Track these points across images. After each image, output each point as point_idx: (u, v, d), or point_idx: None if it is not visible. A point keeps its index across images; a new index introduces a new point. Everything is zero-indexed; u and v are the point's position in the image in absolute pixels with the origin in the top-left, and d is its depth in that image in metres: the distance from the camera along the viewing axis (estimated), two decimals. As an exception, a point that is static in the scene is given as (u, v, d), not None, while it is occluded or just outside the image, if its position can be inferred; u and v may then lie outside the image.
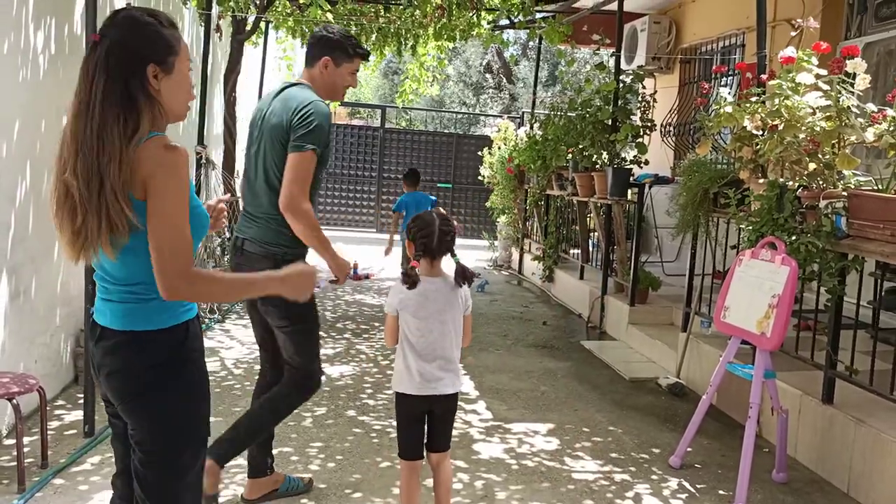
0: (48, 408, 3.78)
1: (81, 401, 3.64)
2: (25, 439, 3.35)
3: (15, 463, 3.03)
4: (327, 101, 2.88)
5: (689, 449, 3.62)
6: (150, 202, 1.60)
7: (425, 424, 2.66)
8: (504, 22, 8.04)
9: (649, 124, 6.18)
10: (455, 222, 2.73)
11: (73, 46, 4.04)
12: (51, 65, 3.88)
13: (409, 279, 2.54)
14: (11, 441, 3.21)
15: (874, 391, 3.28)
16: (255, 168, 2.85)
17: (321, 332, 5.96)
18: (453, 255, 2.67)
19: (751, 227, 3.70)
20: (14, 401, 3.02)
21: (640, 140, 6.13)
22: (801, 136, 3.36)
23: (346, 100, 10.46)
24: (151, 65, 1.64)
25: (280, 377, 2.94)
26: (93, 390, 3.60)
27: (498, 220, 10.36)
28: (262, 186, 2.81)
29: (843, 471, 3.34)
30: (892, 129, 3.07)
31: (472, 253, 10.95)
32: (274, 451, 3.48)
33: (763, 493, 3.29)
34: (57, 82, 3.96)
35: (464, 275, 2.60)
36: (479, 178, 10.96)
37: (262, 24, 8.15)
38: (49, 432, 3.46)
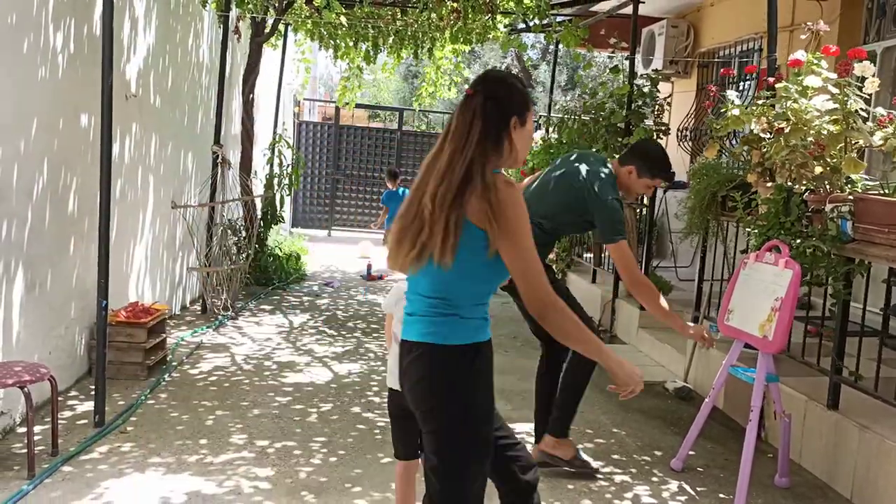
0: (61, 398, 3.88)
1: (93, 392, 3.72)
2: (37, 428, 3.45)
3: (26, 450, 3.11)
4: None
5: (691, 452, 3.61)
6: (501, 233, 1.83)
7: (414, 423, 2.68)
8: (520, 26, 8.06)
9: (663, 128, 6.16)
10: None
11: (92, 46, 4.14)
12: (69, 64, 3.99)
13: None
14: (24, 429, 3.29)
15: (879, 397, 3.25)
16: None
17: (334, 332, 6.01)
18: None
19: (757, 231, 3.69)
20: (25, 389, 3.11)
21: (653, 144, 6.11)
22: (809, 139, 3.34)
23: (364, 102, 10.53)
24: (514, 117, 1.93)
25: (560, 353, 3.41)
26: (104, 382, 3.69)
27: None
28: None
29: (847, 477, 3.31)
30: (897, 132, 3.05)
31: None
32: (277, 445, 3.55)
33: (765, 497, 3.28)
34: (75, 82, 4.06)
35: None
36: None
37: (281, 27, 8.26)
38: (61, 422, 3.55)
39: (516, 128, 1.93)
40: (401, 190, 8.86)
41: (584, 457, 3.46)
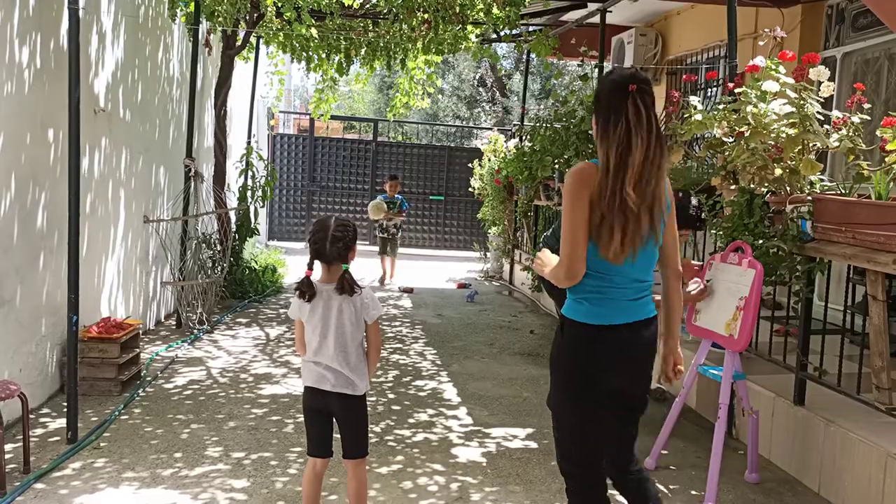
0: (32, 415, 3.84)
1: (66, 408, 3.69)
2: (8, 446, 3.40)
3: (-4, 468, 3.08)
4: None
5: (664, 451, 3.67)
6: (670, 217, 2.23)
7: (327, 425, 2.72)
8: (492, 36, 8.15)
9: (632, 134, 6.26)
10: (350, 230, 2.65)
11: (59, 61, 4.12)
12: (36, 79, 3.97)
13: (300, 289, 2.60)
14: (-6, 448, 3.25)
15: (843, 392, 3.33)
16: None
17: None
18: (344, 263, 2.62)
19: (722, 233, 3.78)
20: (-5, 407, 3.08)
21: (623, 150, 6.22)
22: (768, 142, 3.44)
23: (339, 114, 10.55)
24: None
25: None
26: (76, 398, 3.66)
27: (489, 231, 10.43)
28: None
29: (815, 471, 3.39)
30: (850, 134, 3.15)
31: (464, 264, 11.04)
32: (254, 456, 3.55)
33: (735, 493, 3.34)
34: (42, 96, 4.04)
35: (342, 285, 2.58)
36: (470, 189, 11.05)
37: (253, 39, 8.27)
38: (33, 439, 3.52)
39: None
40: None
41: None
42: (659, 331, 2.33)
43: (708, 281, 3.40)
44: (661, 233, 2.19)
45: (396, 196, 9.30)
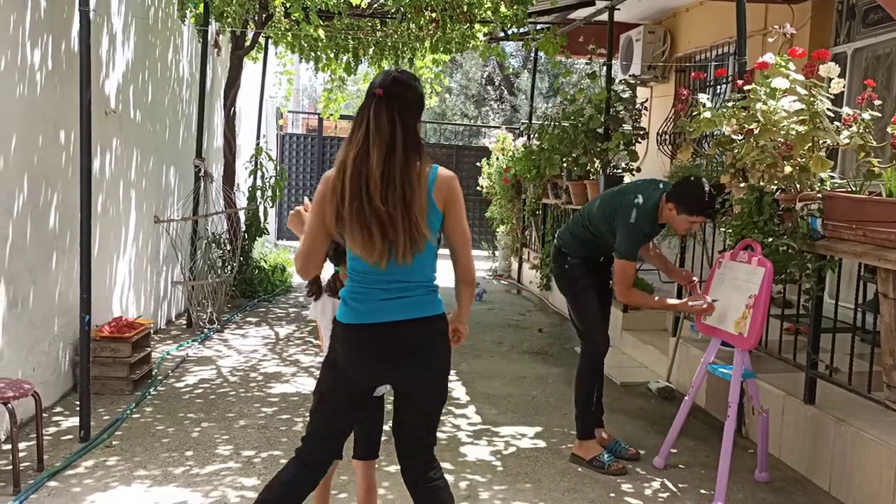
0: (46, 414, 3.88)
1: (78, 407, 3.72)
2: (22, 444, 3.44)
3: (11, 466, 3.11)
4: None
5: (674, 450, 3.66)
6: (450, 218, 2.17)
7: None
8: (499, 34, 8.15)
9: (641, 132, 6.25)
10: None
11: (70, 63, 4.16)
12: (48, 81, 4.00)
13: (310, 289, 2.58)
14: (9, 446, 3.29)
15: (854, 390, 3.32)
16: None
17: (319, 341, 5.99)
18: (335, 265, 2.58)
19: (732, 231, 3.76)
20: (9, 405, 3.11)
21: (631, 148, 6.20)
22: (778, 139, 3.42)
23: (348, 113, 10.60)
24: (419, 116, 2.17)
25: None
26: (88, 397, 3.70)
27: (497, 230, 10.43)
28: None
29: (825, 469, 3.38)
30: (860, 130, 3.13)
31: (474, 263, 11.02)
32: (264, 455, 3.57)
33: (744, 491, 3.33)
34: (54, 98, 4.08)
35: (327, 286, 2.56)
36: (479, 188, 11.05)
37: (262, 40, 8.30)
38: (46, 437, 3.55)
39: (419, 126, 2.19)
40: None
41: (607, 459, 3.54)
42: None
43: (714, 300, 3.42)
44: (431, 235, 2.12)
45: None
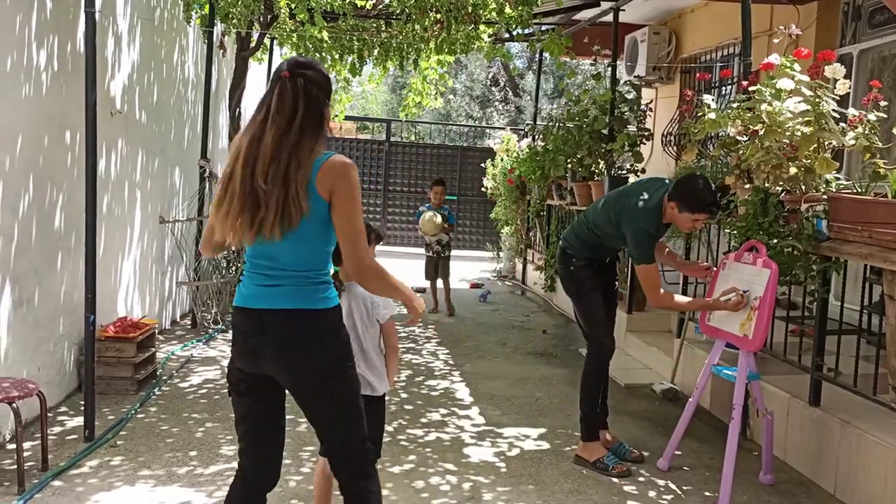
0: (51, 414, 3.89)
1: (83, 407, 3.73)
2: (27, 444, 3.45)
3: (16, 466, 3.12)
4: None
5: (677, 452, 3.65)
6: (334, 207, 2.06)
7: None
8: (504, 35, 8.14)
9: (646, 133, 6.24)
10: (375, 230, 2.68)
11: (76, 63, 4.17)
12: (53, 81, 4.02)
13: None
14: (13, 446, 3.30)
15: (859, 392, 3.31)
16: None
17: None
18: (335, 265, 2.49)
19: (737, 232, 3.75)
20: (14, 405, 3.12)
21: (636, 149, 6.19)
22: (783, 140, 3.41)
23: (352, 114, 10.60)
24: (327, 100, 2.14)
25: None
26: (93, 397, 3.71)
27: (501, 231, 10.43)
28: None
29: (830, 472, 3.36)
30: (866, 132, 3.12)
31: (477, 264, 11.04)
32: (267, 455, 3.56)
33: (749, 494, 3.32)
34: (60, 98, 4.09)
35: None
36: (483, 189, 11.05)
37: (267, 41, 8.31)
38: (51, 437, 3.56)
39: (328, 115, 2.16)
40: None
41: (610, 461, 3.52)
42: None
43: (745, 291, 3.29)
44: (310, 214, 2.03)
45: (443, 207, 7.44)
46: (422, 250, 7.74)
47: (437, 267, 7.38)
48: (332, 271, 2.53)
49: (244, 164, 2.06)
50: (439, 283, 7.44)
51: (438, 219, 7.15)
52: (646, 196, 3.41)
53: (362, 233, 2.10)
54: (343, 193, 2.05)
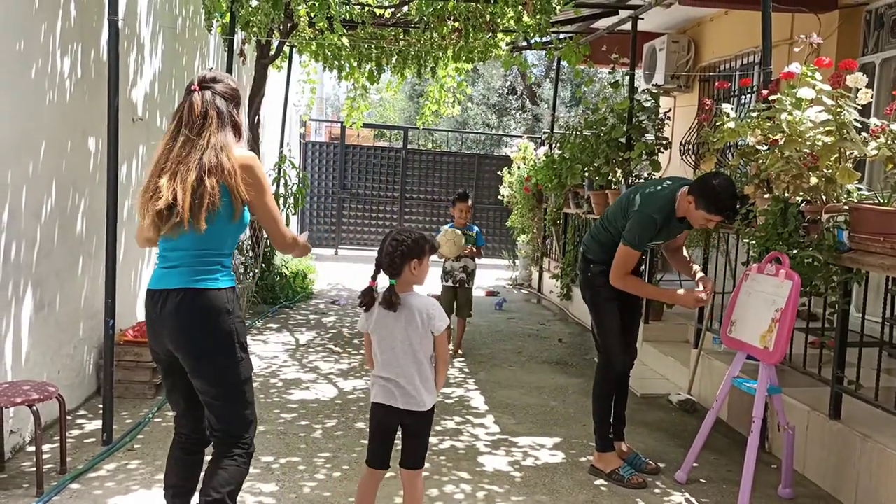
0: (69, 417, 3.93)
1: (101, 410, 3.77)
2: (46, 446, 3.49)
3: (35, 468, 3.16)
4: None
5: (695, 464, 3.61)
6: (251, 199, 2.38)
7: (391, 441, 2.73)
8: (522, 43, 8.15)
9: (664, 142, 6.21)
10: (402, 243, 2.58)
11: (99, 71, 4.23)
12: (77, 88, 4.08)
13: (362, 300, 2.62)
14: (33, 448, 3.34)
15: (880, 406, 3.25)
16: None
17: (339, 349, 6.03)
18: (394, 277, 2.57)
19: (756, 242, 3.72)
20: (34, 408, 3.16)
21: (654, 157, 6.16)
22: (804, 150, 3.38)
23: (370, 122, 10.64)
24: (236, 108, 2.48)
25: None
26: (111, 400, 3.74)
27: (518, 239, 10.41)
28: None
29: (850, 486, 3.31)
30: (889, 141, 3.08)
31: (493, 272, 11.02)
32: (282, 461, 3.58)
33: (767, 508, 3.28)
34: (83, 105, 4.16)
35: (383, 299, 2.59)
36: (500, 197, 11.04)
37: (286, 49, 8.39)
38: (69, 440, 3.60)
39: (238, 115, 2.46)
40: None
41: (626, 472, 3.49)
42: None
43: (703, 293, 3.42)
44: (221, 205, 2.31)
45: (470, 226, 5.96)
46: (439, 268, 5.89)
47: (454, 298, 5.88)
48: (389, 284, 2.59)
49: (154, 170, 2.35)
50: (454, 317, 5.86)
51: (461, 238, 5.69)
52: (663, 185, 3.40)
53: (280, 216, 2.50)
54: (253, 184, 2.37)
